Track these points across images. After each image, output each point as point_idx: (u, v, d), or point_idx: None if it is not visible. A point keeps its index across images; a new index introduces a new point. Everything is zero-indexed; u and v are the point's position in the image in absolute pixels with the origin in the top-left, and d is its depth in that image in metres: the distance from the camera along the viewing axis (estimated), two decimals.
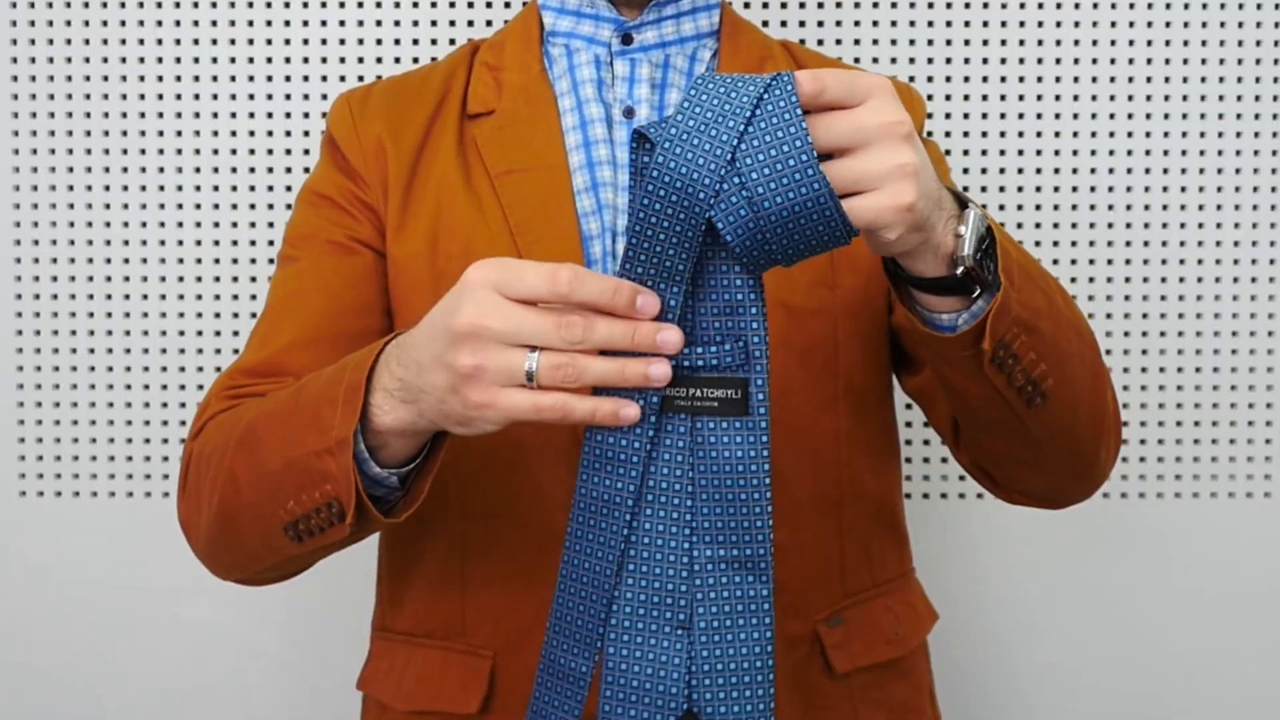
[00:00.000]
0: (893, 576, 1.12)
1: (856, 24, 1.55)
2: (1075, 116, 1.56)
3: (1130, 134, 1.56)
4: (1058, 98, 1.56)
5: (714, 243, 0.79)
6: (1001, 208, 1.57)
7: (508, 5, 1.54)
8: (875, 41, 1.55)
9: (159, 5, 1.53)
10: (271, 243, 1.55)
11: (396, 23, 1.54)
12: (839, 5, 1.55)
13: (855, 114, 0.76)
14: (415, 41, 1.54)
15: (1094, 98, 1.56)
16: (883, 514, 1.11)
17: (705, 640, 0.82)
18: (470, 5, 1.55)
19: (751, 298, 0.79)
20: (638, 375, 0.79)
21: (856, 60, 1.54)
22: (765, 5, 1.54)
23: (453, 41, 1.54)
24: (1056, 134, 1.56)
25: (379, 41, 1.54)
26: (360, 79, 1.54)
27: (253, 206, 1.55)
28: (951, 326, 0.87)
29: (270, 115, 1.54)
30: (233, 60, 1.54)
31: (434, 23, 1.55)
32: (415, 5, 1.54)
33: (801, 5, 1.55)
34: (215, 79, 1.54)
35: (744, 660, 0.82)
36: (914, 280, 0.85)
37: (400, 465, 0.90)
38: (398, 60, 1.54)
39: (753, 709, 0.81)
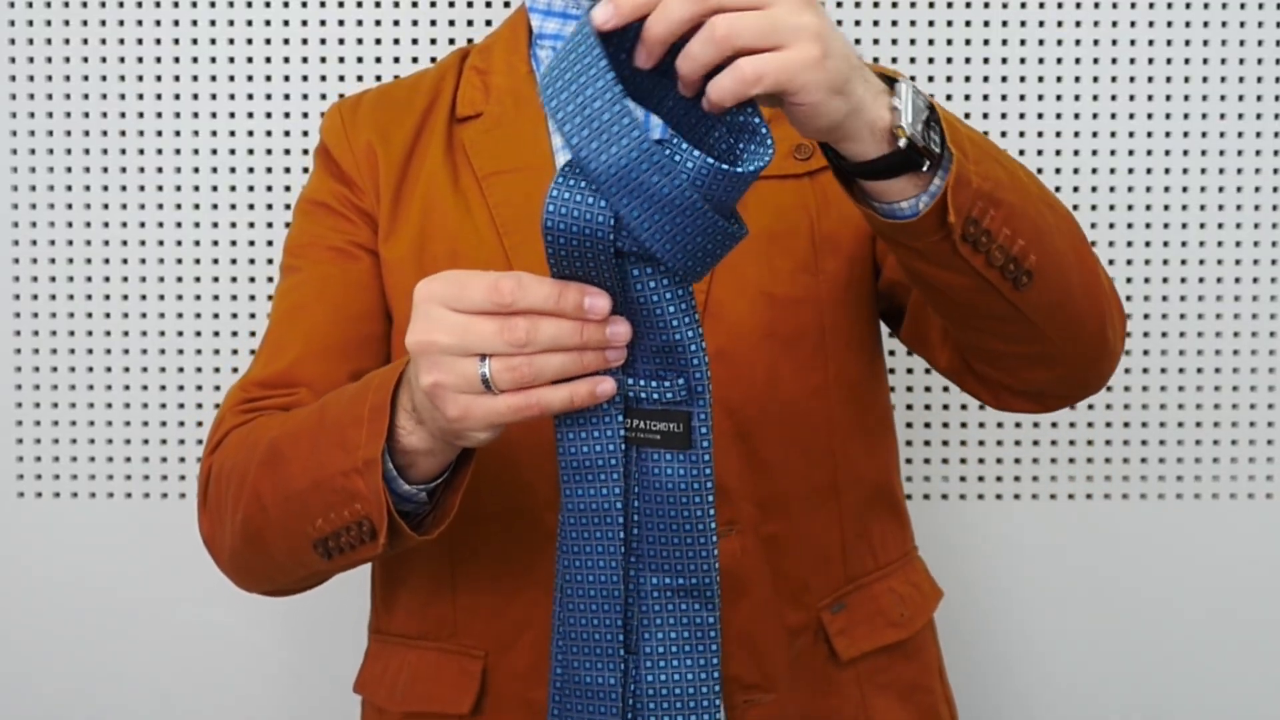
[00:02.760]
0: (895, 558, 1.12)
1: (857, 23, 1.54)
2: (1076, 116, 1.55)
3: (1132, 133, 1.56)
4: (1058, 98, 1.55)
5: (639, 269, 0.77)
6: None
7: (507, 4, 1.54)
8: (876, 41, 1.55)
9: (158, 5, 1.53)
10: (270, 243, 1.55)
11: (396, 22, 1.54)
12: (839, 5, 1.54)
13: None
14: (415, 41, 1.54)
15: (1095, 97, 1.55)
16: (881, 496, 1.11)
17: (651, 666, 0.82)
18: (470, 4, 1.54)
19: (690, 336, 0.78)
20: (597, 363, 0.78)
21: (875, 59, 1.54)
22: None
23: (453, 41, 1.54)
24: (1058, 134, 1.56)
25: (379, 41, 1.54)
26: (360, 79, 1.54)
27: (251, 207, 1.55)
28: (914, 213, 0.83)
29: (269, 115, 1.54)
30: (231, 60, 1.54)
31: (434, 22, 1.54)
32: (415, 5, 1.54)
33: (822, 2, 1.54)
34: (214, 78, 1.54)
35: (690, 686, 0.82)
36: (861, 170, 0.81)
37: (428, 481, 0.91)
38: (397, 60, 1.54)
39: None
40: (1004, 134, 1.55)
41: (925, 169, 0.80)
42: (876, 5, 1.54)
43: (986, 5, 1.55)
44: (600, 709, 0.83)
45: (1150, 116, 1.56)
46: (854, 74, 0.77)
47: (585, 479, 0.81)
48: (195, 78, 1.54)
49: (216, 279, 1.55)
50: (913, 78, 1.54)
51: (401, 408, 0.87)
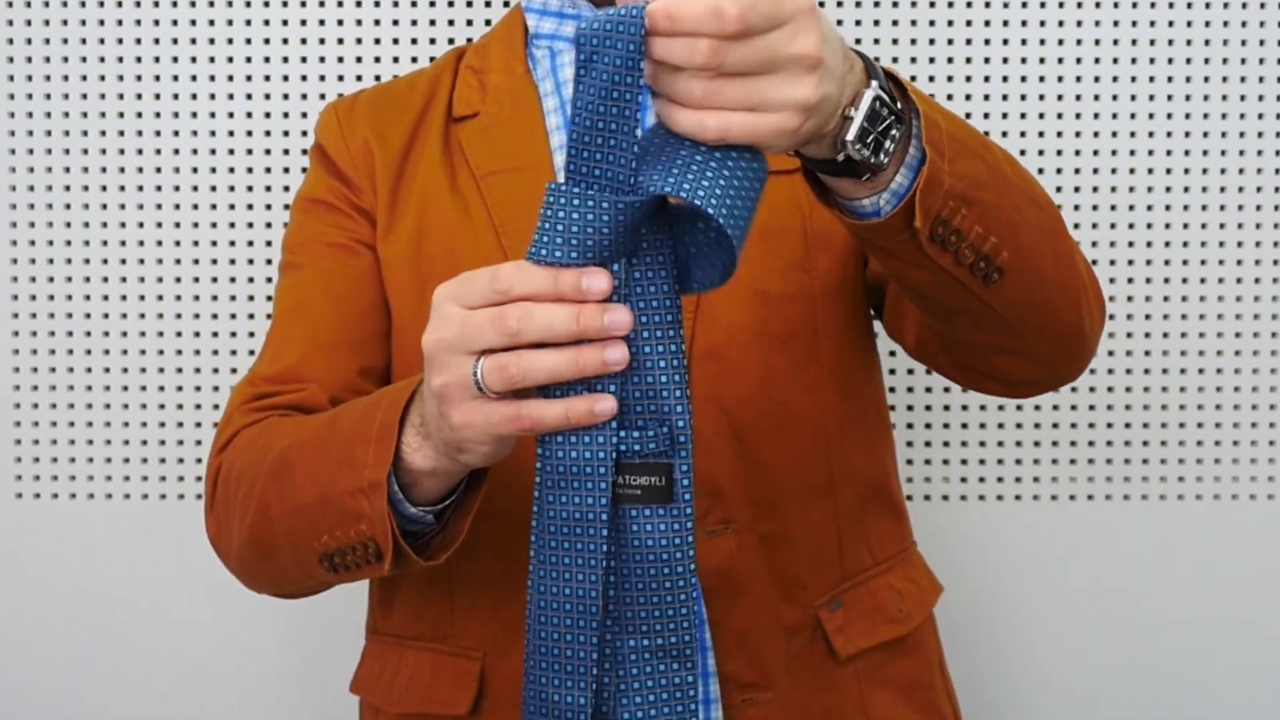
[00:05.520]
0: (892, 554, 1.11)
1: (858, 23, 1.54)
2: (1078, 116, 1.55)
3: (1133, 133, 1.55)
4: (1059, 97, 1.55)
5: (639, 269, 0.76)
6: None
7: (506, 4, 1.54)
8: (877, 40, 1.54)
9: (155, 5, 1.53)
10: (269, 243, 1.54)
11: (395, 22, 1.54)
12: (839, 4, 1.54)
13: (770, 40, 0.72)
14: (414, 41, 1.54)
15: (1096, 97, 1.55)
16: (878, 492, 1.10)
17: None
18: (469, 4, 1.54)
19: (675, 380, 0.76)
20: (594, 362, 0.75)
21: (876, 60, 1.53)
22: None
23: (451, 41, 1.54)
24: (1059, 134, 1.55)
25: (377, 41, 1.54)
26: (359, 79, 1.54)
27: (250, 207, 1.55)
28: (875, 212, 0.82)
29: (268, 115, 1.54)
30: (230, 60, 1.54)
31: (432, 22, 1.54)
32: (414, 4, 1.54)
33: (820, 4, 1.54)
34: (213, 78, 1.54)
35: None
36: (814, 164, 0.81)
37: (434, 502, 0.90)
38: (396, 60, 1.54)
39: None
40: (1004, 134, 1.55)
41: (865, 179, 0.80)
42: (877, 5, 1.54)
43: (988, 5, 1.54)
44: None
45: (1151, 116, 1.55)
46: (829, 119, 0.76)
47: (570, 487, 0.78)
48: (194, 77, 1.54)
49: (215, 279, 1.55)
50: (913, 77, 1.54)
51: (410, 424, 0.86)
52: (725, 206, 0.72)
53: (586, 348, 0.75)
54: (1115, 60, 1.54)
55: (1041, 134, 1.55)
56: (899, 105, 0.80)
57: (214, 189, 1.54)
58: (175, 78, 1.54)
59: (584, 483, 0.77)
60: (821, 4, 1.54)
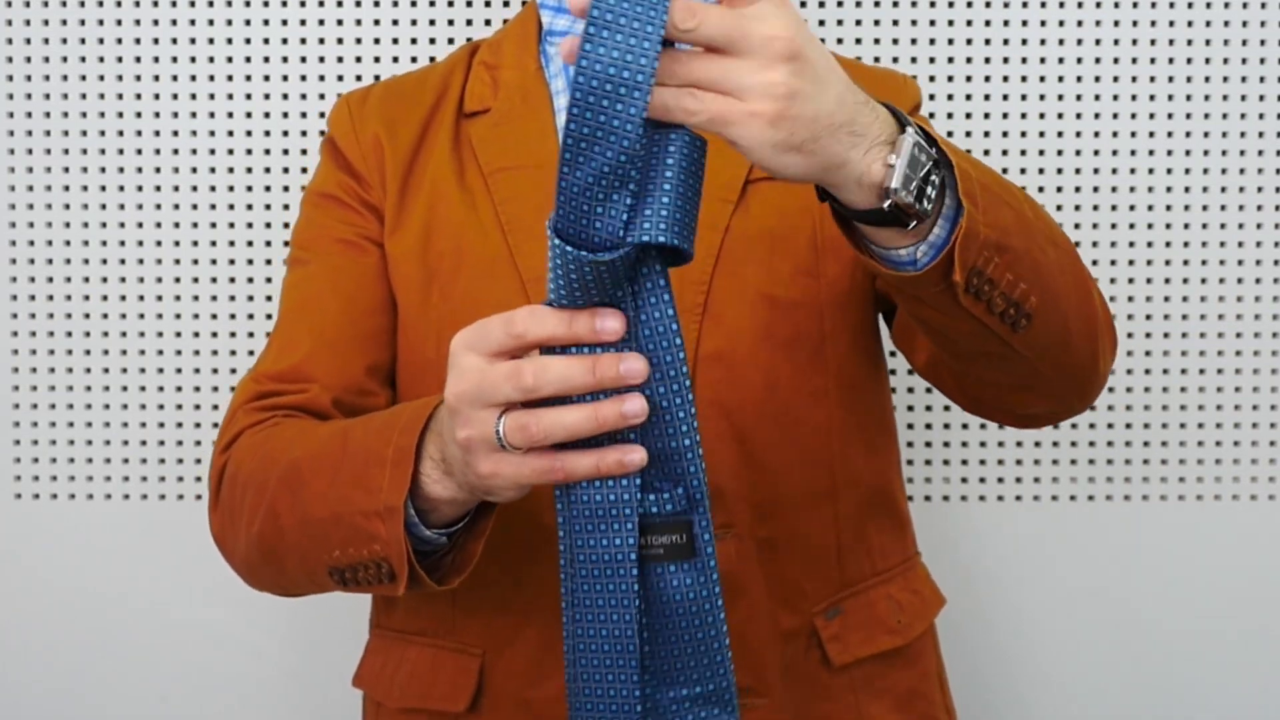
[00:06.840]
0: (894, 564, 1.11)
1: (858, 23, 1.54)
2: (1079, 117, 1.55)
3: (1134, 134, 1.55)
4: (1060, 97, 1.55)
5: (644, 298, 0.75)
6: None
7: (506, 4, 1.54)
8: (877, 40, 1.54)
9: (155, 4, 1.53)
10: (269, 243, 1.54)
11: (395, 22, 1.54)
12: (840, 4, 1.54)
13: (741, 18, 0.71)
14: (414, 41, 1.54)
15: (1097, 97, 1.55)
16: (880, 502, 1.10)
17: None
18: (469, 4, 1.54)
19: (687, 444, 0.77)
20: (613, 416, 0.75)
21: (876, 59, 1.53)
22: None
23: (451, 41, 1.54)
24: (1059, 134, 1.55)
25: (377, 41, 1.54)
26: (359, 78, 1.54)
27: (249, 207, 1.54)
28: (911, 261, 0.82)
29: (268, 115, 1.54)
30: (229, 60, 1.53)
31: (432, 22, 1.54)
32: (414, 4, 1.54)
33: (821, 4, 1.54)
34: (213, 78, 1.53)
35: None
36: (852, 215, 0.79)
37: (447, 525, 0.90)
38: (396, 60, 1.54)
39: None
40: (1005, 134, 1.55)
41: (911, 227, 0.79)
42: (877, 5, 1.54)
43: (988, 5, 1.54)
44: None
45: (1153, 117, 1.55)
46: (830, 132, 0.73)
47: (598, 528, 0.78)
48: (194, 77, 1.53)
49: (215, 279, 1.55)
50: (914, 77, 1.54)
51: (428, 455, 0.86)
52: (684, 228, 0.73)
53: (605, 403, 0.76)
54: (1116, 61, 1.54)
55: (1042, 134, 1.55)
56: (934, 152, 0.79)
57: (214, 189, 1.54)
58: (175, 77, 1.54)
59: (610, 524, 0.78)
60: (822, 4, 1.54)
